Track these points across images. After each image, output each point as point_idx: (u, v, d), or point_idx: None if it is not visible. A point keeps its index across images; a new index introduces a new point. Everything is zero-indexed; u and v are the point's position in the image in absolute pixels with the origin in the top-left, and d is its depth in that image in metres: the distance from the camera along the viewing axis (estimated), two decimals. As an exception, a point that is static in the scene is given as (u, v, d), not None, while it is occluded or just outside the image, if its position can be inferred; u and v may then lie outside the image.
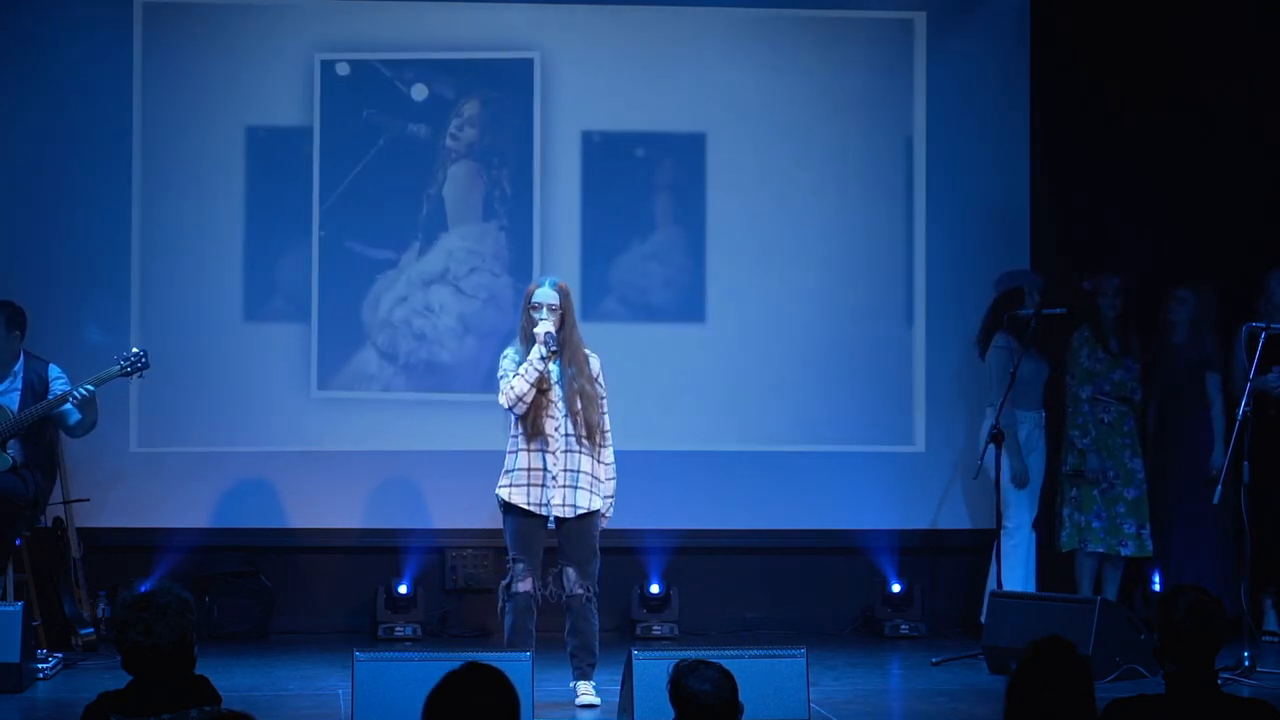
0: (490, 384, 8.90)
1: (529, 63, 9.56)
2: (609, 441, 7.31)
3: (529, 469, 7.15)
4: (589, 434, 7.17)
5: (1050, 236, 9.58)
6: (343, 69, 9.49)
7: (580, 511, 7.17)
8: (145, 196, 9.25)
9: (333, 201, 9.47)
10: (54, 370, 8.25)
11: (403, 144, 9.54)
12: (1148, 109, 9.61)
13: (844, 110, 9.51)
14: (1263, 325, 8.16)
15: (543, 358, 7.10)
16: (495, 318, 9.52)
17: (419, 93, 9.53)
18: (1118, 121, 9.62)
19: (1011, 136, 9.57)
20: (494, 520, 7.40)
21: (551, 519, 7.16)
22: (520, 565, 7.15)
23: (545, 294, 7.20)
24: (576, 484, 7.16)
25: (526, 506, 7.14)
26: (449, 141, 9.57)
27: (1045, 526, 9.17)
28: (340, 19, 9.48)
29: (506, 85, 9.59)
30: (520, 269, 9.48)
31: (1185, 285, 9.17)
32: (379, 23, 9.49)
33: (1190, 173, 9.52)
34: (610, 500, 7.30)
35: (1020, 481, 8.79)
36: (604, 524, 7.32)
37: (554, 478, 7.13)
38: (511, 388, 7.12)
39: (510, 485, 7.18)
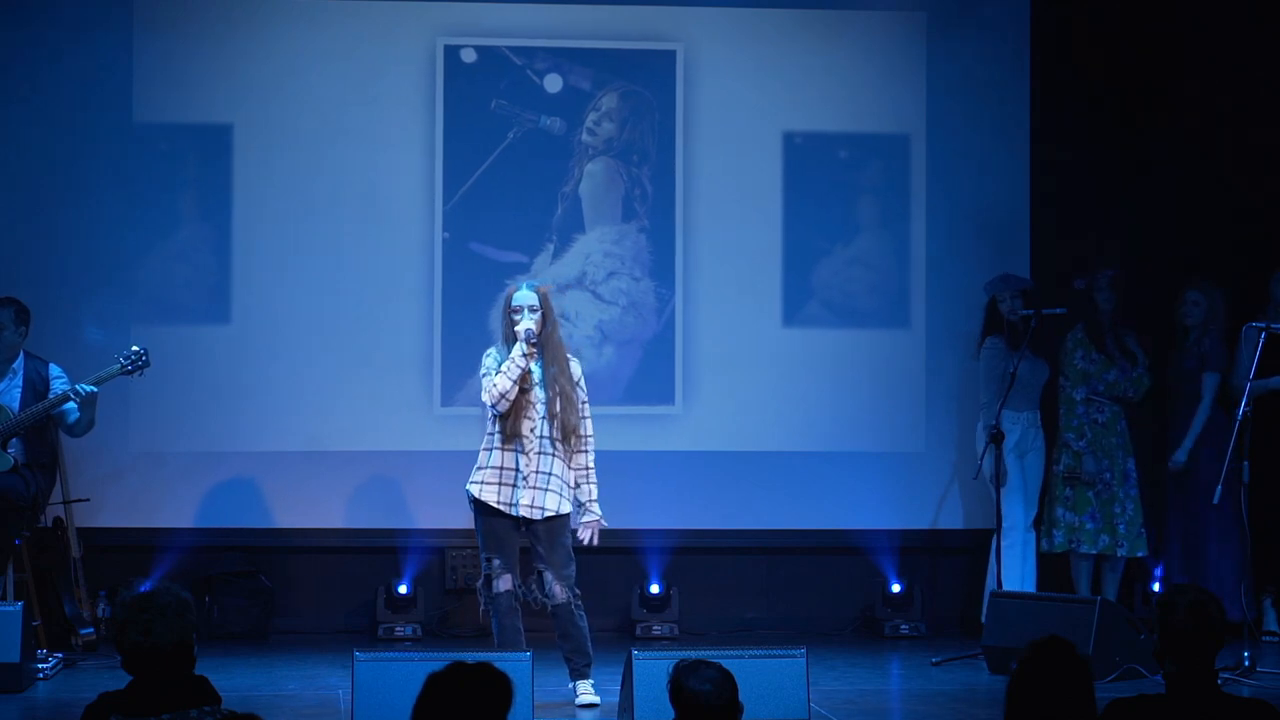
0: (631, 395, 8.80)
1: (671, 55, 9.31)
2: (589, 446, 7.31)
3: (501, 468, 7.16)
4: (565, 436, 7.18)
5: (1050, 237, 9.58)
6: (468, 55, 9.14)
7: (548, 514, 7.17)
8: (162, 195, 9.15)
9: (457, 200, 9.18)
10: (54, 369, 8.24)
11: (535, 138, 9.18)
12: (1148, 109, 9.62)
13: (842, 108, 9.49)
14: (1262, 325, 8.16)
15: (524, 355, 7.10)
16: (636, 325, 9.26)
17: (553, 83, 9.17)
18: (1118, 122, 9.63)
19: (1011, 137, 9.56)
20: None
21: (522, 520, 7.16)
22: (496, 562, 7.17)
23: (524, 296, 7.21)
24: (547, 486, 7.17)
25: (496, 505, 7.16)
26: (585, 136, 9.22)
27: (1040, 528, 9.18)
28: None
29: (647, 78, 9.28)
30: (662, 273, 9.26)
31: (1194, 287, 9.15)
32: (508, 4, 9.16)
33: (1190, 173, 9.52)
34: (595, 503, 7.28)
35: (1000, 480, 8.75)
36: (599, 528, 7.30)
37: (525, 478, 7.14)
38: (494, 385, 7.13)
39: (481, 483, 7.19)
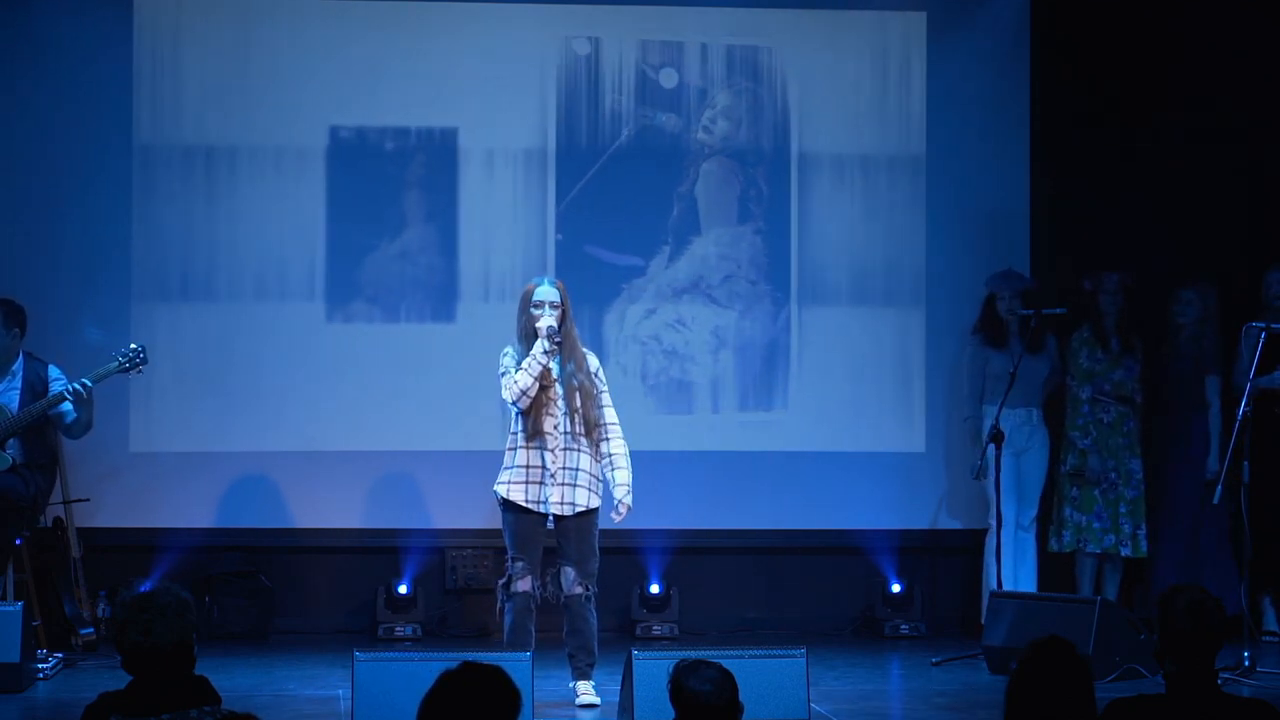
0: (747, 401, 8.77)
1: (784, 54, 9.16)
2: (616, 433, 7.29)
3: (528, 466, 7.16)
4: (587, 430, 7.19)
5: (1050, 236, 9.58)
6: (583, 48, 8.94)
7: (579, 510, 7.18)
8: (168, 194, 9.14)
9: (570, 200, 8.97)
10: (54, 371, 8.24)
11: (650, 136, 8.96)
12: (1147, 109, 9.61)
13: (842, 109, 9.48)
14: (1262, 325, 8.16)
15: (545, 352, 7.11)
16: (752, 330, 9.14)
17: (668, 79, 8.93)
18: (1117, 121, 9.62)
19: (1011, 136, 9.56)
20: (494, 520, 7.40)
21: (550, 517, 7.18)
22: (520, 564, 7.16)
23: (546, 291, 7.21)
24: (575, 482, 7.17)
25: (525, 504, 7.16)
26: (701, 135, 8.99)
27: (1045, 526, 9.18)
28: None
29: (760, 75, 9.12)
30: (778, 276, 9.14)
31: (1189, 286, 9.16)
32: (625, 5, 9.03)
33: (1190, 172, 9.52)
34: (628, 487, 7.24)
35: (982, 475, 8.71)
36: (625, 512, 7.26)
37: (552, 475, 7.15)
38: (515, 383, 7.12)
39: (509, 483, 7.19)
